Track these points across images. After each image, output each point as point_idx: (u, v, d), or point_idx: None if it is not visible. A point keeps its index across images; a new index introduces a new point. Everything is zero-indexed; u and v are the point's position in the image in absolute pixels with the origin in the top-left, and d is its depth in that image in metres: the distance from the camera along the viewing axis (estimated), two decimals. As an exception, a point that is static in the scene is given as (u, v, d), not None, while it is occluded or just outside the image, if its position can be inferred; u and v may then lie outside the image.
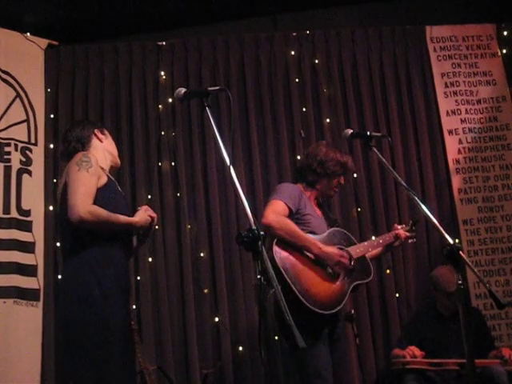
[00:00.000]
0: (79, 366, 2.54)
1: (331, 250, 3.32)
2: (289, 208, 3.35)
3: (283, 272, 3.10)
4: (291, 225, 3.26)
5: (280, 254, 3.17)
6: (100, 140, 3.03)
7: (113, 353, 2.56)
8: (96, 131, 3.04)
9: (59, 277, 2.85)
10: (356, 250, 3.45)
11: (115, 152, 3.12)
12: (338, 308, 3.25)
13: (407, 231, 3.82)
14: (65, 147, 3.01)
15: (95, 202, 2.70)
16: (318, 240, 3.33)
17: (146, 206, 2.96)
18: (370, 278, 3.49)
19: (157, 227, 4.72)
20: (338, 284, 3.31)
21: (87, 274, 2.63)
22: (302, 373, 3.15)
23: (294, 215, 3.38)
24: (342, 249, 3.41)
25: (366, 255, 3.54)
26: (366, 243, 3.60)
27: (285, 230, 3.22)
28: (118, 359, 2.57)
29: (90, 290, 2.60)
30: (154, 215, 2.94)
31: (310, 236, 3.32)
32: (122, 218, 2.75)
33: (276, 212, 3.28)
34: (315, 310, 3.09)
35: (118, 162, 3.15)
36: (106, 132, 3.12)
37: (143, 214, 2.86)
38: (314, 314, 3.09)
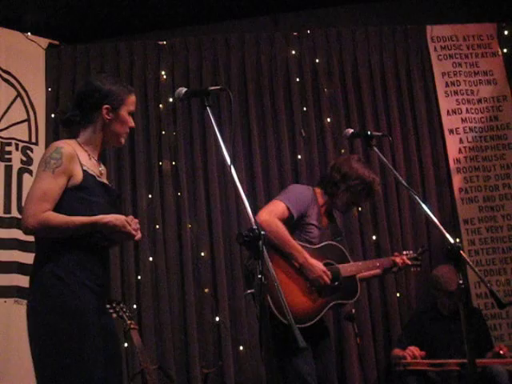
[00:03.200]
0: (55, 375, 2.39)
1: (316, 263, 3.21)
2: (290, 212, 3.24)
3: None
4: (282, 229, 3.16)
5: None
6: (105, 119, 2.63)
7: (85, 363, 2.39)
8: (104, 110, 2.62)
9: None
10: (347, 269, 3.35)
11: (123, 131, 2.68)
12: (311, 323, 3.12)
13: (413, 258, 3.69)
14: (64, 113, 2.69)
15: (61, 204, 2.49)
16: (308, 251, 3.24)
17: (133, 219, 2.61)
18: (353, 299, 3.37)
19: (157, 227, 4.73)
20: (316, 300, 3.21)
21: (56, 281, 2.44)
22: (286, 379, 3.09)
23: (299, 221, 3.28)
24: (331, 264, 3.31)
25: (360, 275, 3.44)
26: (360, 263, 3.50)
27: (274, 233, 3.11)
28: (93, 370, 2.41)
29: (62, 298, 2.43)
30: (134, 232, 2.54)
31: (299, 245, 3.21)
32: (83, 219, 2.46)
33: (272, 213, 3.18)
34: (283, 322, 2.85)
35: (121, 142, 2.71)
36: (122, 107, 2.66)
37: (121, 217, 2.52)
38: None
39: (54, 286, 2.44)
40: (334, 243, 3.43)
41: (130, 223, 2.53)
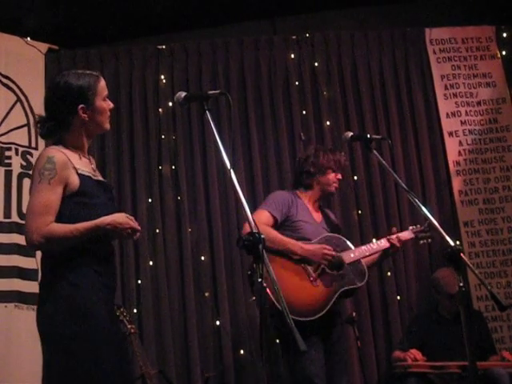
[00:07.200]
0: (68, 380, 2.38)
1: (312, 246, 3.32)
2: (273, 217, 3.38)
3: None
4: (271, 231, 3.27)
5: None
6: (84, 119, 2.57)
7: (102, 365, 2.39)
8: (80, 110, 2.56)
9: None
10: (350, 255, 3.41)
11: (104, 119, 2.63)
12: (320, 314, 3.19)
13: (422, 231, 3.68)
14: (41, 123, 2.64)
15: (63, 213, 2.47)
16: (305, 243, 3.33)
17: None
18: (362, 283, 3.41)
19: (157, 231, 4.73)
20: (322, 289, 3.28)
21: (68, 286, 2.43)
22: (293, 380, 3.12)
23: (285, 222, 3.40)
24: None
25: (364, 260, 3.47)
26: (363, 247, 3.52)
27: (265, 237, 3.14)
28: (107, 372, 2.39)
29: (74, 302, 2.42)
30: (137, 227, 2.54)
31: (291, 239, 3.32)
32: (86, 224, 2.44)
33: (257, 221, 3.24)
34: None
35: (106, 128, 2.68)
36: (96, 98, 2.60)
37: (122, 215, 2.52)
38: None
39: (66, 291, 2.43)
40: (333, 234, 3.50)
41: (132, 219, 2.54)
